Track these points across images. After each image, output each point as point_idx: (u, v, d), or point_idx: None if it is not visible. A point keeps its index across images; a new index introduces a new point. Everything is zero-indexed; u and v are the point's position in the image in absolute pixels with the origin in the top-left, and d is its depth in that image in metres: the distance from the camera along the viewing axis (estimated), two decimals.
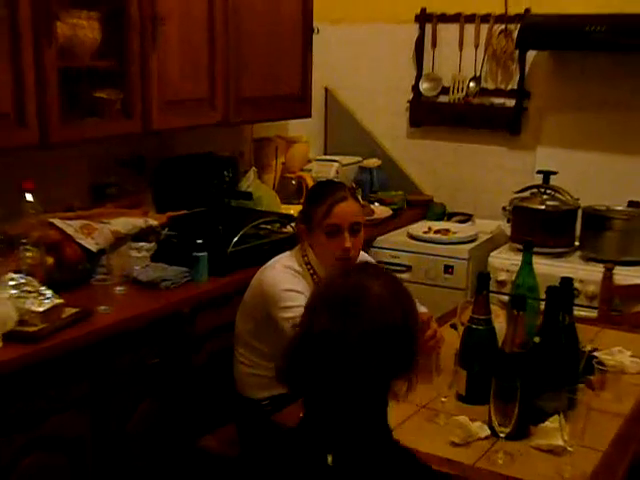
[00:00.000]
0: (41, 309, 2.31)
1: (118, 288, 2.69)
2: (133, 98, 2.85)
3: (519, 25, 3.76)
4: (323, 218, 2.34)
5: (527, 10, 3.88)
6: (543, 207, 3.56)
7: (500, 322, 2.14)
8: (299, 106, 3.74)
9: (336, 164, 4.16)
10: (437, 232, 3.82)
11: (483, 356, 2.04)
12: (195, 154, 3.47)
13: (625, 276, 3.28)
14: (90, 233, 2.76)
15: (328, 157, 4.32)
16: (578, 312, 2.24)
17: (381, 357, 1.40)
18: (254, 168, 3.72)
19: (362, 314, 1.39)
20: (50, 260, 2.61)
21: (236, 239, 3.01)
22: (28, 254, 2.50)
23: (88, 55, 2.70)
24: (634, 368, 2.32)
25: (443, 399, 2.04)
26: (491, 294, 2.13)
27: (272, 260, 2.46)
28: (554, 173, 3.67)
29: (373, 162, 4.29)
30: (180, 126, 3.10)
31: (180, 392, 2.72)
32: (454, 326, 2.41)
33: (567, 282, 2.06)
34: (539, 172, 3.71)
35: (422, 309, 2.50)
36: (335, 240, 2.35)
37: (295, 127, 4.18)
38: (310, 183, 3.87)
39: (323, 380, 1.40)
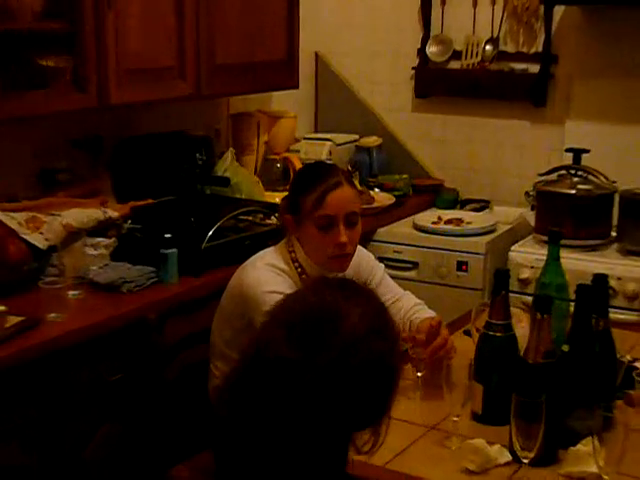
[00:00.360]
0: None
1: (71, 292, 2.69)
2: (87, 66, 2.83)
3: None
4: (314, 209, 2.33)
5: None
6: (573, 192, 3.56)
7: (522, 328, 2.14)
8: (284, 75, 3.73)
9: (329, 143, 4.16)
10: (448, 222, 3.82)
11: (502, 368, 2.04)
12: (162, 133, 3.46)
13: None
14: (38, 227, 2.75)
15: (319, 135, 4.31)
16: (615, 315, 2.25)
17: (347, 401, 1.35)
18: (232, 149, 3.71)
19: (332, 346, 1.34)
20: None
21: (211, 233, 3.01)
22: None
23: (31, 15, 2.68)
24: None
25: (455, 418, 2.04)
26: (511, 295, 2.13)
27: (253, 257, 2.46)
28: (586, 151, 3.67)
29: (372, 141, 4.28)
30: (143, 100, 3.08)
31: (147, 413, 2.72)
32: (468, 333, 2.41)
33: (601, 280, 2.06)
34: (568, 150, 3.70)
35: (431, 313, 2.50)
36: (328, 234, 2.35)
37: (280, 100, 4.17)
38: (298, 166, 3.86)
39: (270, 417, 1.36)
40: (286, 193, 2.54)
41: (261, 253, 2.47)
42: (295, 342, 1.35)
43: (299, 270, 2.43)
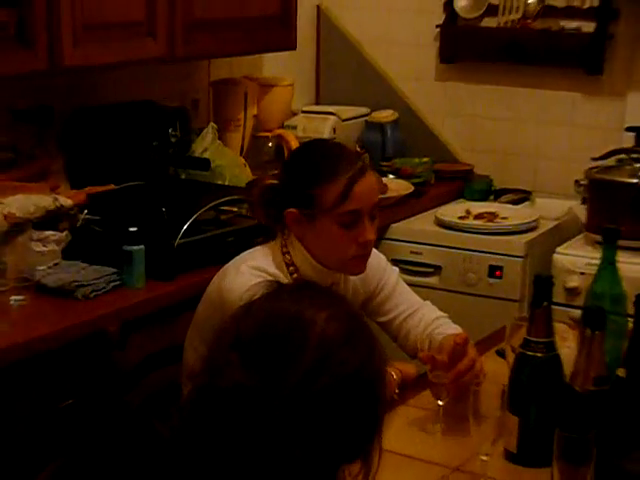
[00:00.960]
0: None
1: (14, 297, 2.70)
2: (34, 20, 2.84)
3: None
4: (339, 203, 2.33)
5: None
6: (635, 181, 3.57)
7: (568, 347, 2.15)
8: (278, 33, 3.74)
9: (333, 118, 4.17)
10: (479, 217, 3.83)
11: (543, 396, 2.05)
12: (126, 103, 3.47)
13: None
14: None
15: (321, 108, 4.32)
16: None
17: (325, 429, 1.35)
18: (213, 124, 3.71)
19: (299, 361, 1.34)
20: None
21: (186, 227, 3.01)
22: None
23: None
24: None
25: (484, 458, 2.04)
26: (556, 307, 2.14)
27: (237, 258, 2.47)
28: None
29: (386, 115, 4.29)
30: (104, 62, 3.08)
31: (106, 447, 2.72)
32: (501, 353, 2.42)
33: None
34: (629, 129, 3.71)
35: (455, 328, 2.51)
36: (351, 231, 2.36)
37: (273, 64, 4.17)
38: (295, 146, 3.86)
39: (235, 458, 1.35)
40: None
41: (247, 254, 2.47)
42: (252, 365, 1.35)
43: (294, 276, 2.43)
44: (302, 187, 2.39)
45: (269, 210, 2.46)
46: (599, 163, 3.72)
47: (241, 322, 1.41)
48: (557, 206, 3.99)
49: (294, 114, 4.22)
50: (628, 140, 3.72)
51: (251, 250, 2.49)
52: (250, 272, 2.38)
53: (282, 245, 2.45)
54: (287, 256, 2.44)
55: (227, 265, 2.46)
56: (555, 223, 3.90)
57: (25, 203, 2.88)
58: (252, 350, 1.37)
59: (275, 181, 2.48)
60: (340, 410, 1.36)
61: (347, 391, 1.37)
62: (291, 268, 2.43)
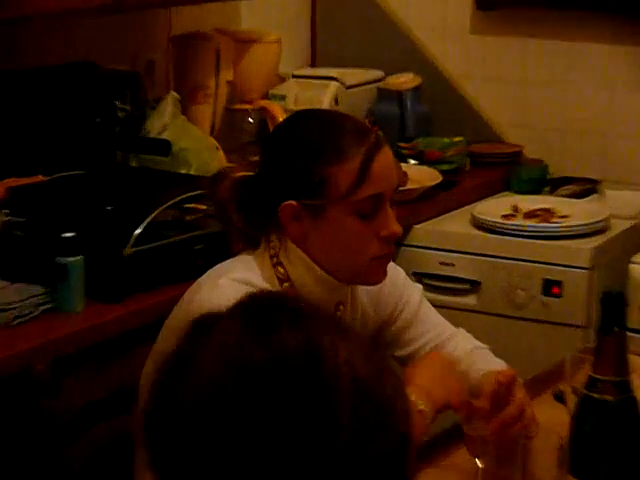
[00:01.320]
0: None
1: None
2: None
3: None
4: (356, 186, 2.32)
5: None
6: None
7: None
8: None
9: (334, 85, 4.18)
10: (530, 216, 3.84)
11: (614, 452, 2.06)
12: (60, 66, 3.48)
13: None
14: None
15: (318, 71, 4.35)
16: None
17: None
18: (174, 93, 3.72)
19: (340, 417, 1.30)
20: None
21: (140, 231, 3.02)
22: None
23: None
24: None
25: None
26: (631, 334, 2.15)
27: (212, 271, 2.45)
28: None
29: (406, 81, 4.30)
30: (30, 13, 3.10)
31: None
32: (559, 397, 2.43)
33: None
34: None
35: (498, 363, 2.52)
36: (371, 223, 2.36)
37: (254, 13, 4.19)
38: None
39: None
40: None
41: (224, 266, 2.45)
42: (283, 445, 1.30)
43: None
44: (302, 171, 2.37)
45: (249, 210, 2.44)
46: None
47: (233, 363, 1.34)
48: (633, 200, 4.01)
49: (282, 80, 4.23)
50: None
51: (229, 261, 2.47)
52: (233, 285, 2.32)
53: (271, 255, 2.42)
54: (280, 268, 2.40)
55: (200, 279, 2.44)
56: (631, 223, 3.92)
57: None
58: (273, 419, 1.31)
59: (250, 172, 2.47)
60: (378, 468, 1.36)
61: (389, 449, 1.34)
62: (285, 284, 2.40)
